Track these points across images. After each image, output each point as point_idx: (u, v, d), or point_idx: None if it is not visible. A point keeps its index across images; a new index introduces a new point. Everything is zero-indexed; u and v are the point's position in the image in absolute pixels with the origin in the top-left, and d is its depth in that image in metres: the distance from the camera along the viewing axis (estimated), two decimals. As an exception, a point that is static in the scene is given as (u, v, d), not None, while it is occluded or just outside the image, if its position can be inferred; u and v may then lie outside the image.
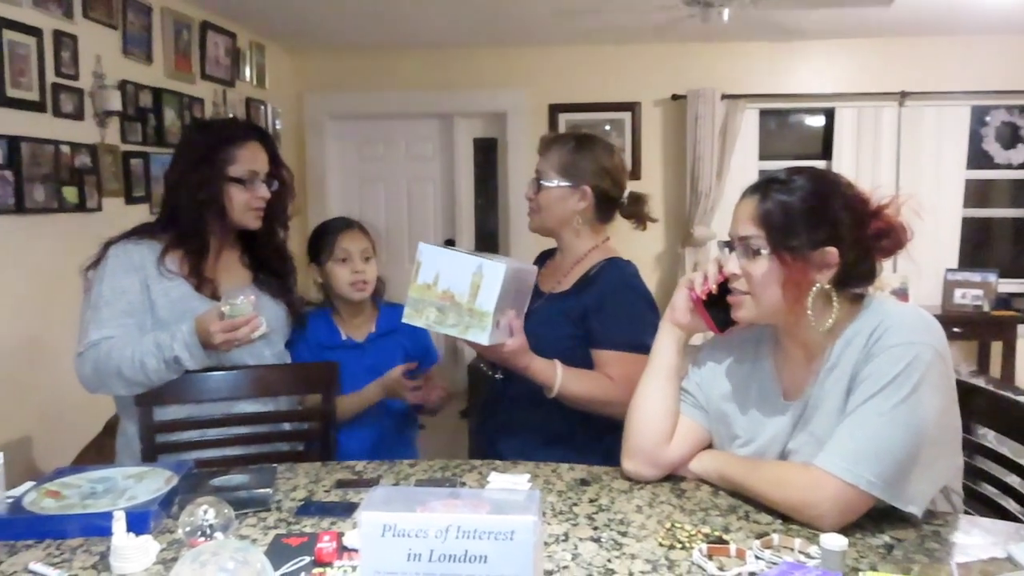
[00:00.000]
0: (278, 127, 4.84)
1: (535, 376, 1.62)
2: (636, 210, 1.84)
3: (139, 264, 1.70)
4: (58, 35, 2.92)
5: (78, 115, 3.05)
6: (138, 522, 1.14)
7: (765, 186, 1.26)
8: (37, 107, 2.83)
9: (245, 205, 1.76)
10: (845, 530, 1.12)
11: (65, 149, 2.95)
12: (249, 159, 1.76)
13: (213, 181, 1.72)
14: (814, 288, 1.22)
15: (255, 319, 1.59)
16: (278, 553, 1.10)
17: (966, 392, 1.45)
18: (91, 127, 3.14)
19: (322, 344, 2.00)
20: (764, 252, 1.24)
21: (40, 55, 2.82)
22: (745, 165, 4.93)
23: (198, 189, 1.72)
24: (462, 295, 1.47)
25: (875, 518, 1.18)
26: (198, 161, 1.73)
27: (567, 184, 1.77)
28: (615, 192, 1.81)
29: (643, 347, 1.62)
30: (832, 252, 1.21)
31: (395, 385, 1.93)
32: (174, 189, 1.78)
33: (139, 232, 1.77)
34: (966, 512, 1.33)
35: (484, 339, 1.47)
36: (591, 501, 1.30)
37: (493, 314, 1.46)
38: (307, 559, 1.08)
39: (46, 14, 2.86)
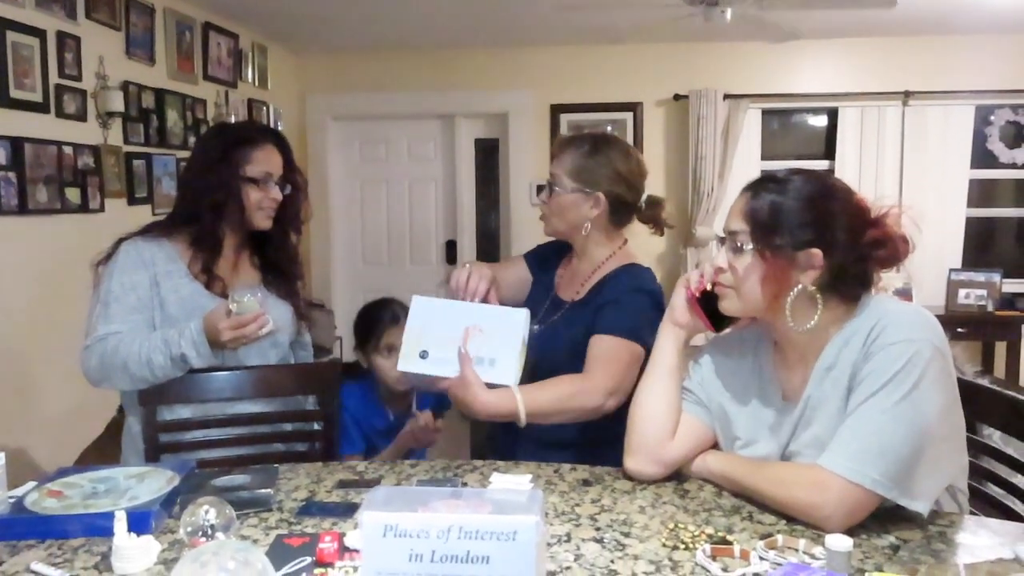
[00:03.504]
0: (280, 128, 4.84)
1: (495, 411, 1.52)
2: (653, 215, 1.78)
3: (149, 261, 1.71)
4: (61, 36, 2.93)
5: (81, 116, 3.06)
6: (139, 522, 1.14)
7: (761, 184, 1.28)
8: (40, 108, 2.83)
9: (256, 205, 1.77)
10: (850, 530, 1.11)
11: (68, 150, 2.96)
12: (264, 160, 1.77)
13: (229, 181, 1.73)
14: (796, 288, 1.22)
15: (262, 316, 1.60)
16: (279, 553, 1.09)
17: (971, 392, 1.44)
18: (94, 128, 3.15)
19: (376, 429, 2.07)
20: (747, 248, 1.25)
21: (43, 56, 2.83)
22: (747, 165, 4.92)
23: (215, 189, 1.73)
24: None
25: (881, 518, 1.17)
26: (215, 161, 1.75)
27: (580, 190, 1.70)
28: (631, 197, 1.74)
29: (638, 338, 1.60)
30: (816, 254, 1.21)
31: (421, 433, 2.04)
32: (190, 188, 1.79)
33: (151, 229, 1.79)
34: (972, 513, 1.32)
35: (401, 365, 1.56)
36: (593, 501, 1.29)
37: (408, 341, 1.56)
38: (308, 560, 1.08)
39: (49, 15, 2.86)
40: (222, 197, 1.74)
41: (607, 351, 1.61)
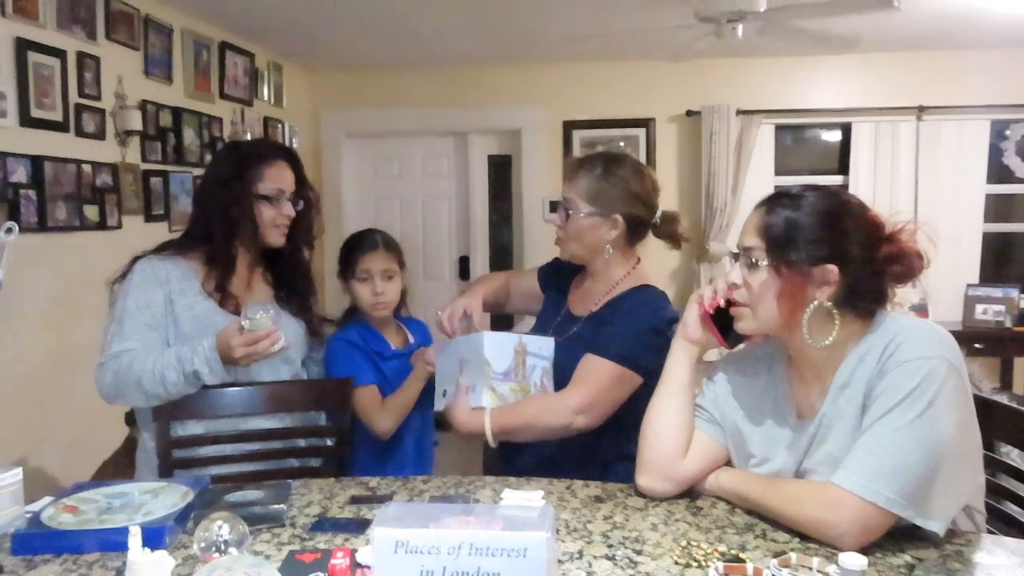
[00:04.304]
0: (295, 145, 4.89)
1: (470, 431, 1.64)
2: (669, 230, 1.76)
3: (164, 279, 1.73)
4: (81, 56, 2.98)
5: (100, 135, 3.10)
6: (154, 537, 1.15)
7: (775, 200, 1.28)
8: (60, 127, 2.88)
9: (270, 222, 1.79)
10: (865, 549, 1.10)
11: (87, 168, 3.00)
12: (276, 177, 1.80)
13: (241, 198, 1.76)
14: (812, 304, 1.22)
15: (274, 333, 1.61)
16: (292, 569, 1.10)
17: (989, 409, 1.43)
18: (112, 146, 3.20)
19: (381, 354, 2.05)
20: (763, 264, 1.25)
21: (64, 76, 2.88)
22: (761, 181, 4.90)
23: (228, 206, 1.76)
24: None
25: (896, 537, 1.16)
26: (228, 180, 1.77)
27: (597, 213, 1.69)
28: (647, 216, 1.73)
29: (628, 361, 1.61)
30: (832, 270, 1.21)
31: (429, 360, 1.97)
32: (204, 206, 1.82)
33: (166, 248, 1.81)
34: (989, 531, 1.31)
35: (436, 406, 1.79)
36: (606, 518, 1.29)
37: (437, 386, 1.80)
38: (320, 575, 1.08)
39: (70, 36, 2.92)
40: (235, 215, 1.76)
41: (588, 371, 1.63)
